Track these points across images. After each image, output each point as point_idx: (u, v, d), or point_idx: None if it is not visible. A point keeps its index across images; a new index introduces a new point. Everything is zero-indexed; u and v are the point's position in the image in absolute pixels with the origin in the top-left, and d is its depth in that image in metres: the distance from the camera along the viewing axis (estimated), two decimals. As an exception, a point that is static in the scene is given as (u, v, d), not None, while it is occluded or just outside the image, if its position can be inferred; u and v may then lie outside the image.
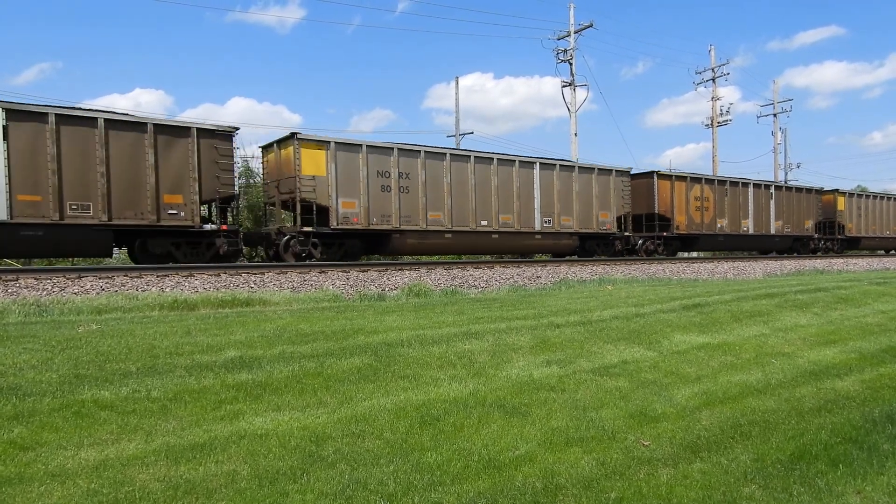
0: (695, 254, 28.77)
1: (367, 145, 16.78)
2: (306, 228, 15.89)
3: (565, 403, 5.00)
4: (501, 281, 14.67)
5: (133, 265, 13.38)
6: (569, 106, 32.79)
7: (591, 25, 32.57)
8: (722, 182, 26.10)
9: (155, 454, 3.72)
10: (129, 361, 5.28)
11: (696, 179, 24.88)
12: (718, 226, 25.62)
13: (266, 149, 17.67)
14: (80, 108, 13.65)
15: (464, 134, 40.62)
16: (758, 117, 47.87)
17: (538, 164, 20.30)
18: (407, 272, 14.67)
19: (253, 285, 11.78)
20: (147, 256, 14.58)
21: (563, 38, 33.23)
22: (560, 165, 20.89)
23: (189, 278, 11.87)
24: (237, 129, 15.15)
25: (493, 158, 19.18)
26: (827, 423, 4.88)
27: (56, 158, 12.83)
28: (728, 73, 40.64)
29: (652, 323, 7.96)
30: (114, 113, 13.73)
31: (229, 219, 15.81)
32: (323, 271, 13.79)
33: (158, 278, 11.63)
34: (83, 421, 4.11)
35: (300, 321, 7.30)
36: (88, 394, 4.53)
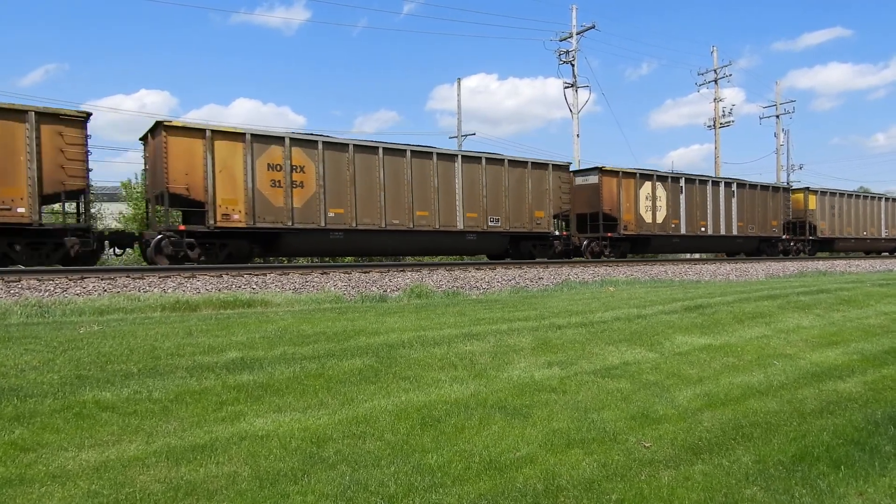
0: (697, 255, 29.34)
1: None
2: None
3: (567, 405, 5.00)
4: (503, 282, 14.66)
5: (136, 266, 13.37)
6: (571, 107, 32.80)
7: (593, 27, 32.55)
8: None
9: (156, 455, 3.72)
10: (131, 362, 5.28)
11: None
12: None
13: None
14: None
15: (466, 135, 40.56)
16: (760, 118, 48.01)
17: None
18: (409, 273, 14.67)
19: (255, 286, 11.79)
20: None
21: (565, 39, 33.21)
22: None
23: (191, 279, 11.88)
24: None
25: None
26: (829, 425, 4.86)
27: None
28: (731, 75, 40.74)
29: (654, 324, 7.95)
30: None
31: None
32: (325, 272, 13.80)
33: (160, 279, 11.64)
34: (84, 422, 4.11)
35: (302, 322, 7.30)
36: (90, 395, 4.53)
